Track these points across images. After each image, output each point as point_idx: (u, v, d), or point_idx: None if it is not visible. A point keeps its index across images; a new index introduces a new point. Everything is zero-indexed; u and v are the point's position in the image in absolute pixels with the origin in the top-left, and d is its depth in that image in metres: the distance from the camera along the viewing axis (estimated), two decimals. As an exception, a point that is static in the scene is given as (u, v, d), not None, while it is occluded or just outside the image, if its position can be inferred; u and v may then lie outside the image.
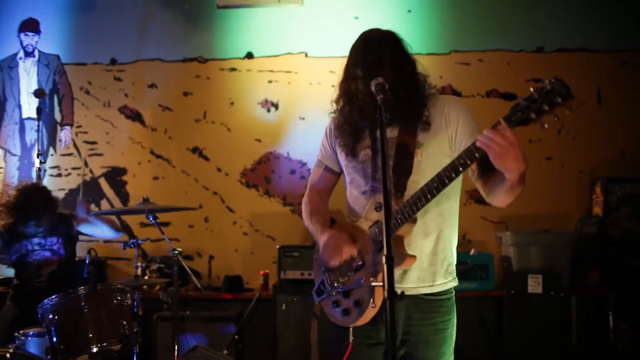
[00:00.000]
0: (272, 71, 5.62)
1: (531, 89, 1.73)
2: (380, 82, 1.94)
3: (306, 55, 5.56)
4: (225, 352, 4.29)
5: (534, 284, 4.46)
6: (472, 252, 4.87)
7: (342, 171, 2.39)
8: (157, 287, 4.93)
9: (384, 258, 1.66)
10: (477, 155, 1.85)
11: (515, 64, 5.38)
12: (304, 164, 5.39)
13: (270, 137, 5.54)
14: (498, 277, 4.89)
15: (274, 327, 4.61)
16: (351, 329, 2.12)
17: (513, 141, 1.74)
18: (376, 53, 2.12)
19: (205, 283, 5.34)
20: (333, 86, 2.32)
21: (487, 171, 2.03)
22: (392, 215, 1.99)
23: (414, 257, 2.04)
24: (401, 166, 2.14)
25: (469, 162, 1.89)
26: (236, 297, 5.07)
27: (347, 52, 2.27)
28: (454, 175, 1.92)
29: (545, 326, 4.39)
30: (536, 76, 5.20)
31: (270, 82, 5.61)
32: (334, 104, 2.30)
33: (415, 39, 2.26)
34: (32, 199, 3.73)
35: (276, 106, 5.57)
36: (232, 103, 5.63)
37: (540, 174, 4.90)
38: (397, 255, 1.91)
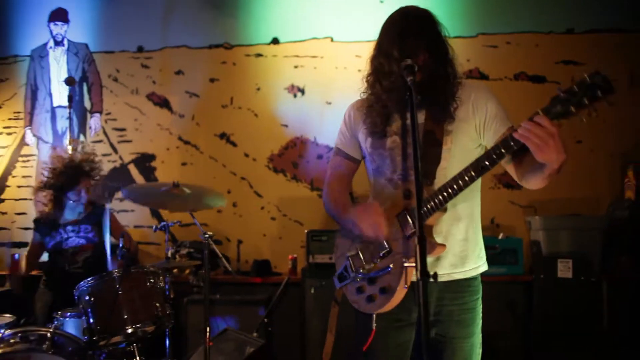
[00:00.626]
0: (298, 56, 5.61)
1: (571, 81, 1.70)
2: (409, 64, 1.89)
3: (332, 40, 5.54)
4: (255, 335, 4.34)
5: (564, 269, 4.41)
6: (500, 237, 4.83)
7: (363, 158, 2.35)
8: (187, 271, 5.00)
9: (416, 239, 1.66)
10: (514, 146, 1.83)
11: (544, 46, 5.28)
12: (330, 149, 5.38)
13: (296, 122, 5.55)
14: (527, 262, 4.85)
15: (302, 311, 4.64)
16: (374, 315, 2.11)
17: (553, 132, 1.72)
18: (412, 32, 2.08)
19: (234, 267, 5.40)
20: (359, 71, 2.28)
21: (519, 155, 2.01)
22: (423, 203, 1.97)
23: (443, 245, 2.03)
24: (430, 154, 2.10)
25: (504, 152, 1.86)
26: (265, 281, 5.12)
27: (373, 36, 2.24)
28: (488, 165, 1.89)
29: (575, 312, 4.33)
30: (566, 58, 5.13)
31: (296, 67, 5.61)
32: (364, 81, 2.26)
33: (442, 21, 2.21)
34: (79, 169, 3.82)
35: (302, 91, 5.58)
36: (258, 89, 5.64)
37: (569, 157, 4.81)
38: (427, 243, 1.90)
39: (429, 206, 1.99)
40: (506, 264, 4.65)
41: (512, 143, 1.83)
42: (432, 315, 2.16)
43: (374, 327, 2.10)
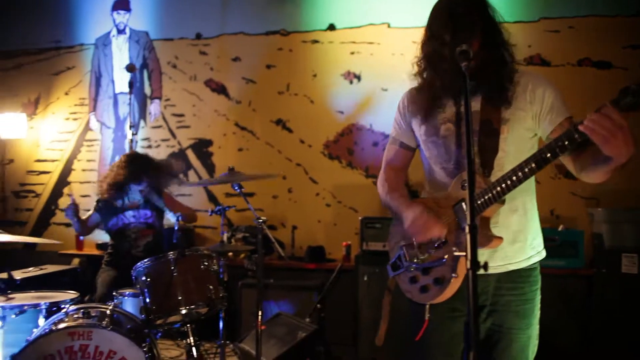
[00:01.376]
0: (354, 42, 5.58)
1: None
2: (464, 49, 1.80)
3: (389, 26, 5.48)
4: (307, 320, 4.36)
5: (629, 264, 4.23)
6: (560, 228, 4.68)
7: (418, 146, 2.28)
8: (242, 256, 5.07)
9: (467, 227, 1.62)
10: (578, 139, 1.75)
11: (611, 30, 5.02)
12: (386, 136, 5.33)
13: (352, 109, 5.52)
14: (588, 255, 4.67)
15: (355, 298, 4.64)
16: (428, 306, 2.06)
17: (622, 124, 1.63)
18: (465, 15, 2.00)
19: (288, 253, 5.45)
20: (415, 66, 2.20)
21: (580, 147, 1.92)
22: (479, 194, 1.91)
23: (500, 238, 1.96)
24: (487, 143, 2.04)
25: (568, 145, 1.79)
26: (319, 267, 5.15)
27: (426, 31, 2.15)
28: (550, 157, 1.81)
29: (639, 308, 4.16)
30: (634, 43, 4.87)
31: (352, 53, 5.57)
32: (415, 66, 2.19)
33: (502, 6, 2.13)
34: (139, 164, 3.92)
35: (359, 78, 5.54)
36: (314, 75, 5.64)
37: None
38: (483, 236, 1.85)
39: (486, 197, 1.93)
40: (565, 257, 4.49)
41: (576, 135, 1.74)
42: (488, 305, 2.11)
43: (427, 318, 2.06)
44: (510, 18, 2.10)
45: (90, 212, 4.12)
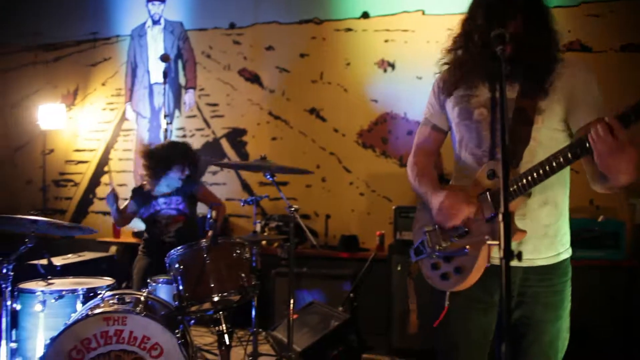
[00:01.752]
0: (388, 30, 5.52)
1: None
2: (499, 33, 1.72)
3: (423, 13, 5.40)
4: (340, 309, 4.35)
5: (673, 256, 4.08)
6: (600, 219, 4.55)
7: (450, 129, 2.21)
8: (276, 244, 5.09)
9: (501, 216, 1.58)
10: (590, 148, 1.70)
11: (656, 14, 4.86)
12: (421, 124, 5.27)
13: (386, 98, 5.47)
14: (630, 247, 4.53)
15: (388, 287, 4.61)
16: (448, 293, 2.02)
17: (624, 144, 1.59)
18: None
19: (321, 242, 5.44)
20: (451, 46, 2.13)
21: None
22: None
23: (524, 232, 1.89)
24: (518, 132, 1.96)
25: (579, 152, 1.74)
26: (352, 256, 5.13)
27: (465, 9, 2.09)
28: (580, 152, 1.77)
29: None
30: (682, 25, 4.70)
31: (386, 41, 5.51)
32: (451, 42, 2.12)
33: (541, -9, 2.05)
34: (173, 152, 3.96)
35: (393, 66, 5.48)
36: (348, 63, 5.60)
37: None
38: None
39: (512, 189, 1.86)
40: (605, 248, 4.34)
41: (587, 144, 1.70)
42: (516, 297, 2.03)
43: (446, 305, 2.02)
44: (550, 3, 2.01)
45: (127, 202, 4.18)
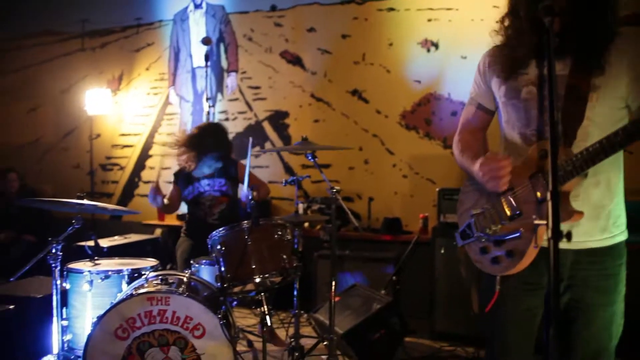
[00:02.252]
0: (431, 9, 5.39)
1: None
2: (547, 5, 1.63)
3: (468, -9, 5.26)
4: (382, 292, 4.32)
5: None
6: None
7: (496, 109, 2.14)
8: (318, 227, 5.08)
9: (549, 194, 1.51)
10: None
11: None
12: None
13: (430, 78, 5.36)
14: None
15: (432, 271, 4.54)
16: (499, 277, 1.95)
17: None
18: None
19: (364, 225, 5.41)
20: (497, 22, 2.06)
21: None
22: (560, 166, 1.74)
23: (581, 213, 1.81)
24: (571, 111, 1.87)
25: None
26: (395, 239, 5.08)
27: None
28: (636, 136, 1.67)
29: None
30: None
31: (429, 20, 5.39)
32: (499, 23, 2.04)
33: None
34: (209, 135, 3.98)
35: (436, 45, 5.37)
36: (390, 44, 5.51)
37: None
38: (563, 210, 1.70)
39: (567, 170, 1.77)
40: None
41: None
42: (566, 279, 1.96)
43: (497, 289, 1.95)
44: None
45: (170, 187, 4.22)
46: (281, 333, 4.41)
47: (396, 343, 4.01)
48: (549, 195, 1.51)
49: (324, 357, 3.96)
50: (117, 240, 5.18)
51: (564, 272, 1.94)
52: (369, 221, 5.49)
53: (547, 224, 1.51)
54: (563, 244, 1.50)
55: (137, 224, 6.23)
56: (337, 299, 4.36)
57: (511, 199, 1.93)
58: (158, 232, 6.07)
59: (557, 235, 1.48)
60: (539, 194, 1.86)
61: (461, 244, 2.12)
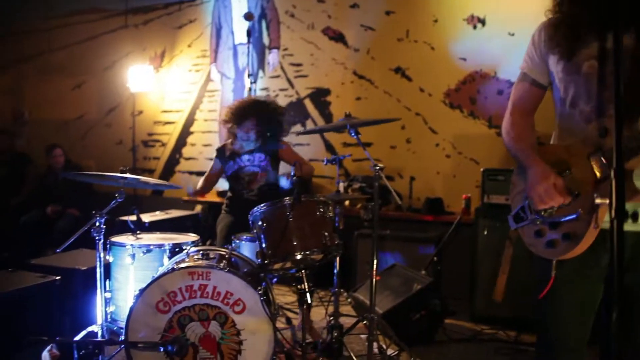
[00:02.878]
0: (478, -16, 5.24)
1: None
2: None
3: (517, -36, 5.08)
4: (423, 272, 4.27)
5: None
6: None
7: (550, 84, 2.06)
8: (359, 206, 5.03)
9: (612, 172, 1.42)
10: None
11: None
12: (512, 84, 4.98)
13: (476, 55, 5.21)
14: None
15: (474, 252, 4.46)
16: (555, 262, 1.90)
17: None
18: None
19: (405, 204, 5.33)
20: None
21: None
22: (623, 143, 1.67)
23: None
24: (637, 85, 1.76)
25: None
26: (436, 219, 5.01)
27: None
28: None
29: None
30: None
31: (476, -5, 5.24)
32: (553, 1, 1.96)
33: None
34: (252, 110, 3.96)
35: (483, 22, 5.20)
36: (435, 20, 5.37)
37: None
38: (626, 189, 1.63)
39: (632, 147, 1.69)
40: None
41: None
42: (626, 262, 1.83)
43: (553, 275, 1.91)
44: None
45: (211, 163, 4.22)
46: (320, 311, 4.40)
47: (436, 324, 3.97)
48: (612, 173, 1.42)
49: (363, 336, 3.94)
50: (158, 215, 5.23)
51: (626, 253, 1.85)
52: (410, 201, 5.41)
53: (609, 204, 1.43)
54: (627, 226, 1.42)
55: (178, 200, 6.29)
56: (377, 278, 4.33)
57: (569, 179, 1.86)
58: (198, 208, 6.12)
59: (621, 215, 1.39)
60: (598, 173, 1.78)
61: (514, 227, 2.06)
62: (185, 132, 6.78)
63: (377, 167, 3.00)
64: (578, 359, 2.01)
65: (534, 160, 1.97)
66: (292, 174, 2.79)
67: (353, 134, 3.10)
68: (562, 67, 1.95)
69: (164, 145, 6.95)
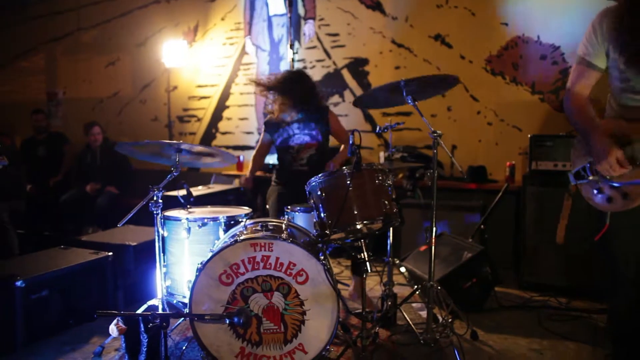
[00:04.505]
0: (521, -54, 5.10)
1: None
2: None
3: None
4: (470, 240, 4.24)
5: None
6: None
7: (608, 67, 2.22)
8: (400, 175, 5.00)
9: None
10: None
11: None
12: (556, 48, 4.90)
13: (518, 20, 5.10)
14: None
15: (518, 221, 4.42)
16: (609, 212, 2.11)
17: None
18: None
19: (447, 173, 5.29)
20: None
21: None
22: None
23: None
24: None
25: None
26: (480, 187, 4.96)
27: None
28: None
29: None
30: None
31: (518, -42, 5.11)
32: None
33: None
34: (298, 80, 3.93)
35: (525, -15, 5.09)
36: (476, -15, 5.27)
37: None
38: None
39: None
40: None
41: None
42: None
43: (607, 222, 2.14)
44: None
45: (261, 136, 4.20)
46: (371, 280, 4.42)
47: (487, 292, 3.95)
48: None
49: (415, 304, 3.95)
50: (200, 190, 5.26)
51: None
52: (452, 170, 5.36)
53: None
54: None
55: (217, 174, 6.31)
56: (423, 248, 4.32)
57: (630, 151, 2.04)
58: (237, 182, 6.13)
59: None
60: None
61: (574, 183, 2.31)
62: (221, 107, 6.77)
63: (436, 134, 2.97)
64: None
65: (595, 132, 2.15)
66: (351, 142, 2.75)
67: (410, 102, 3.06)
68: (624, 60, 2.08)
69: (199, 120, 6.95)
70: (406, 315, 3.39)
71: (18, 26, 8.22)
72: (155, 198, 3.07)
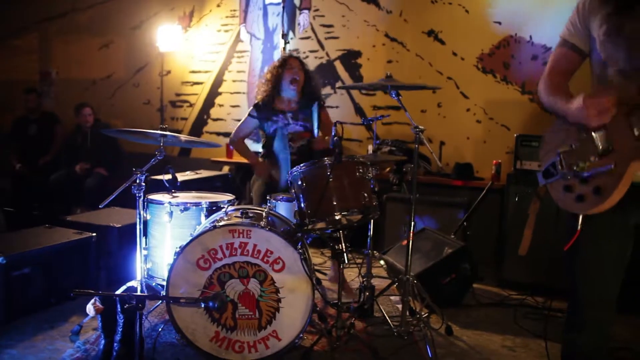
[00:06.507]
0: (516, -56, 5.11)
1: None
2: None
3: None
4: (452, 236, 4.28)
5: None
6: None
7: (590, 51, 2.09)
8: (388, 169, 5.03)
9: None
10: None
11: None
12: (548, 49, 4.92)
13: (511, 19, 5.11)
14: None
15: (503, 218, 4.46)
16: (581, 216, 1.93)
17: None
18: None
19: (434, 169, 5.32)
20: None
21: None
22: None
23: None
24: None
25: None
26: (466, 184, 4.99)
27: None
28: None
29: None
30: None
31: (513, -43, 5.12)
32: None
33: None
34: (304, 67, 3.96)
35: (519, -16, 5.10)
36: (470, -18, 5.28)
37: None
38: None
39: None
40: None
41: None
42: None
43: (579, 228, 1.93)
44: None
45: (244, 119, 4.18)
46: (349, 272, 4.46)
47: (466, 288, 4.00)
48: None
49: (392, 297, 3.99)
50: (188, 175, 5.28)
51: None
52: (439, 165, 5.38)
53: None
54: None
55: (206, 160, 6.32)
56: (405, 242, 4.35)
57: (604, 134, 1.88)
58: (226, 169, 6.15)
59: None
60: (636, 130, 1.80)
61: (543, 183, 2.12)
62: (214, 93, 6.77)
63: (418, 129, 2.99)
64: (604, 318, 2.07)
65: (572, 100, 1.97)
66: (334, 134, 2.78)
67: (394, 96, 3.08)
68: (604, 30, 1.97)
69: (191, 105, 6.96)
70: (382, 307, 3.43)
71: (12, 4, 8.18)
72: (137, 181, 3.09)
